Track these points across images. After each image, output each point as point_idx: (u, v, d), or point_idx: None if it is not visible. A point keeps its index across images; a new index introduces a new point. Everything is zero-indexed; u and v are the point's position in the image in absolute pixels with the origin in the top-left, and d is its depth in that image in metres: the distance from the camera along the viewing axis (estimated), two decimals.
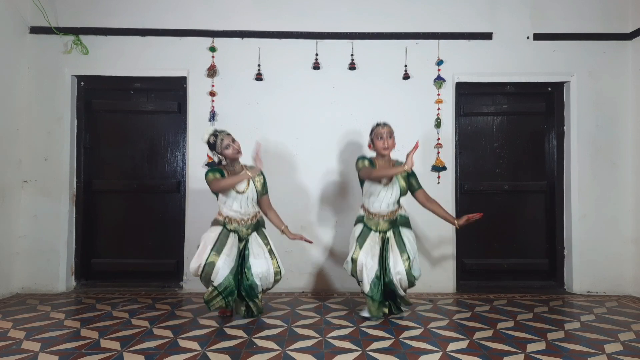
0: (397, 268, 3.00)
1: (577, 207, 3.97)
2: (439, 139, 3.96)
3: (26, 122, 3.89)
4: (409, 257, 3.04)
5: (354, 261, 3.07)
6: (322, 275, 3.96)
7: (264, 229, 3.25)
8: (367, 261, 3.02)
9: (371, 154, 3.27)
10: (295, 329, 2.85)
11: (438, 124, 3.95)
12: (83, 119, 4.05)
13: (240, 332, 2.78)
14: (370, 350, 2.47)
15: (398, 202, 3.21)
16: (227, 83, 3.98)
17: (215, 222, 3.16)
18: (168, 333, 2.74)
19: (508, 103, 4.17)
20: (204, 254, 2.93)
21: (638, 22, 3.94)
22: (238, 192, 3.09)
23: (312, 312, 3.26)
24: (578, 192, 3.98)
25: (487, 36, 4.00)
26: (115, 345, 2.51)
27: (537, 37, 4.00)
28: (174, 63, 3.97)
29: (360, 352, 2.45)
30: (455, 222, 3.18)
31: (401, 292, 3.06)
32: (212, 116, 3.93)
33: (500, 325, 2.97)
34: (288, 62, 3.97)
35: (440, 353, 2.45)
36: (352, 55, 3.97)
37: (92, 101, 4.08)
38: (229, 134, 3.12)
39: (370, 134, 3.19)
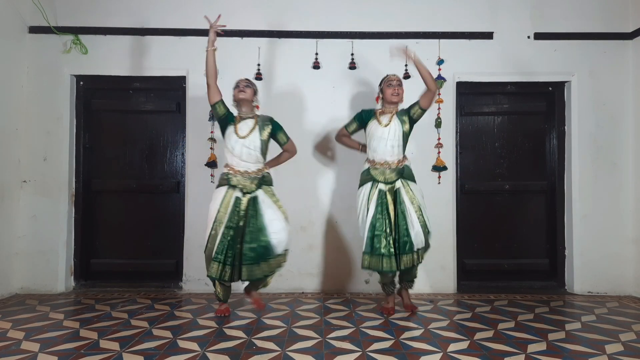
0: (415, 227, 3.10)
1: (578, 207, 3.96)
2: (439, 138, 3.95)
3: (25, 122, 3.88)
4: (422, 214, 3.15)
5: (364, 229, 3.16)
6: (322, 276, 3.94)
7: (271, 187, 3.23)
8: (374, 226, 3.11)
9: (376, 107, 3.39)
10: (295, 330, 2.84)
11: (438, 124, 3.94)
12: (82, 118, 4.04)
13: (240, 333, 2.77)
14: (371, 351, 2.46)
15: (403, 148, 3.23)
16: (227, 82, 3.93)
17: (220, 180, 3.19)
18: (167, 333, 2.73)
19: (509, 103, 4.16)
20: (207, 231, 3.07)
21: (638, 21, 3.93)
22: (239, 137, 3.10)
23: (312, 313, 3.25)
24: (579, 192, 3.97)
25: (488, 36, 3.99)
26: (115, 346, 2.50)
27: (538, 36, 3.99)
28: (173, 63, 3.96)
29: (361, 352, 2.44)
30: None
31: (416, 248, 3.13)
32: (212, 116, 3.91)
33: (500, 325, 2.96)
34: (288, 62, 3.96)
35: (441, 354, 2.44)
36: (352, 54, 3.96)
37: (91, 101, 4.07)
38: (248, 79, 3.26)
39: (380, 84, 3.30)
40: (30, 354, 2.38)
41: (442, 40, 3.97)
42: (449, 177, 3.97)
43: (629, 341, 2.67)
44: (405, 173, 3.21)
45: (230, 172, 3.14)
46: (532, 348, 2.53)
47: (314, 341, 2.63)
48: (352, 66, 3.95)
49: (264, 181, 3.19)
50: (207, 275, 3.10)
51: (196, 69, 3.95)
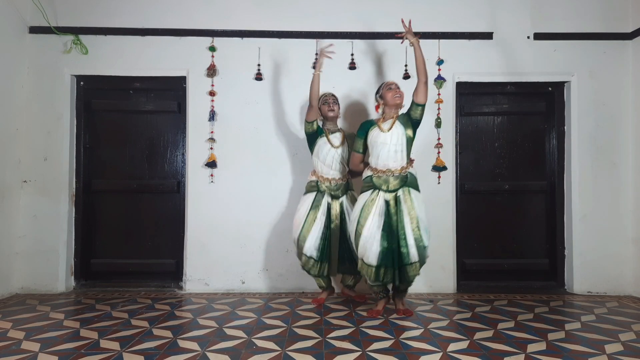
0: (409, 240, 3.03)
1: (578, 207, 3.96)
2: (439, 138, 3.95)
3: (26, 122, 3.88)
4: (418, 226, 3.05)
5: (358, 235, 3.09)
6: None
7: (354, 193, 3.50)
8: (372, 234, 3.04)
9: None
10: (295, 330, 2.84)
11: (438, 124, 3.95)
12: (82, 118, 4.04)
13: (240, 333, 2.77)
14: (371, 351, 2.46)
15: (407, 154, 3.17)
16: (227, 83, 3.97)
17: (308, 187, 3.48)
18: (168, 333, 2.74)
19: (508, 103, 4.17)
20: (297, 230, 3.36)
21: (638, 22, 3.93)
22: (333, 146, 3.39)
23: (312, 313, 3.25)
24: (578, 192, 3.97)
25: (488, 36, 3.99)
26: (115, 346, 2.51)
27: (538, 36, 3.99)
28: (174, 63, 3.96)
29: (361, 352, 2.45)
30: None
31: (410, 261, 3.04)
32: (212, 116, 3.92)
33: (500, 325, 2.96)
34: (288, 62, 3.97)
35: (441, 353, 2.44)
36: (352, 55, 3.96)
37: (91, 101, 4.07)
38: (334, 95, 3.51)
39: (378, 92, 3.29)
40: (31, 354, 2.39)
41: (442, 41, 3.98)
42: (449, 177, 3.97)
43: (629, 341, 2.68)
44: (409, 181, 3.13)
45: (320, 180, 3.43)
46: (531, 348, 2.53)
47: (314, 341, 2.63)
48: (352, 66, 3.96)
49: (348, 187, 3.50)
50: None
51: (196, 69, 3.96)
